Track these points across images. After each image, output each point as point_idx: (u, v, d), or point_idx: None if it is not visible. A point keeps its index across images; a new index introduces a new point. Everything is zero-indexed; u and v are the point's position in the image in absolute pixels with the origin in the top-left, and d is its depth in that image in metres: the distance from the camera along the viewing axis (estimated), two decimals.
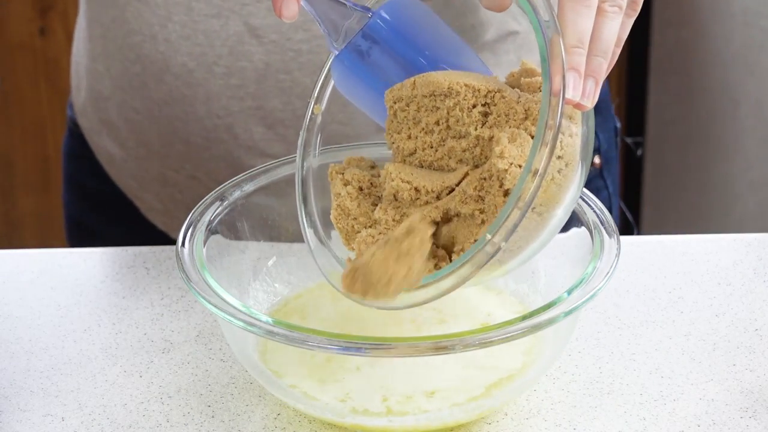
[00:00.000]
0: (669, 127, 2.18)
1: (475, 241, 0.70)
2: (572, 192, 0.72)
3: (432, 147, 0.74)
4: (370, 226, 0.75)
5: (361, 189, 0.77)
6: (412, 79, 0.74)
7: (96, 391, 0.83)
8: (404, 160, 0.76)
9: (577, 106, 0.68)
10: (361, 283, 0.71)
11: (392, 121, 0.76)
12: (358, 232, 0.76)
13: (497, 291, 0.87)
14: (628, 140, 2.11)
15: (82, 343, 0.88)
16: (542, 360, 0.79)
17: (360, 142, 0.89)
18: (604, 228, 0.80)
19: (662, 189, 2.22)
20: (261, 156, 1.02)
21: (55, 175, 2.23)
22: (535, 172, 0.66)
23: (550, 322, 0.72)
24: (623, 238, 0.83)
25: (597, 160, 1.15)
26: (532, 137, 0.70)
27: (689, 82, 2.13)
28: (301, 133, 0.81)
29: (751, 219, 2.17)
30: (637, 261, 0.96)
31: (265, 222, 0.88)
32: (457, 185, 0.72)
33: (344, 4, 0.75)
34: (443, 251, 0.72)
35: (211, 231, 0.82)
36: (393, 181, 0.74)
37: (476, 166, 0.72)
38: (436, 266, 0.72)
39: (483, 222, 0.70)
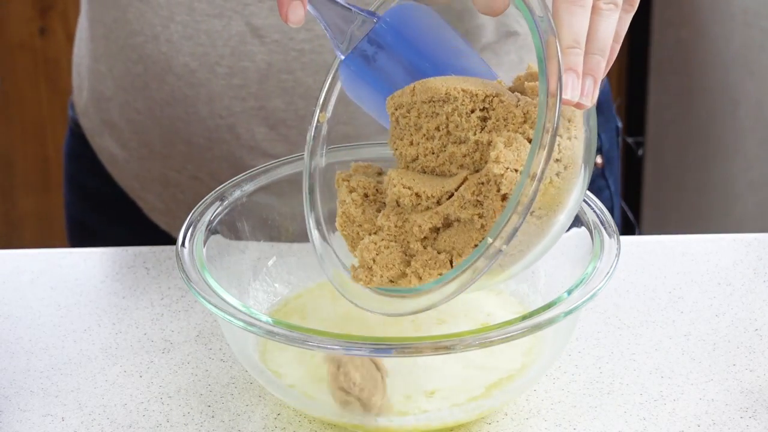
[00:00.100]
0: (669, 127, 2.18)
1: (475, 246, 0.70)
2: (575, 195, 0.72)
3: (433, 153, 0.74)
4: (375, 233, 0.75)
5: (366, 196, 0.77)
6: (411, 85, 0.74)
7: (96, 391, 0.83)
8: (407, 166, 0.76)
9: (577, 105, 0.68)
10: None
11: (395, 128, 0.76)
12: (363, 238, 0.76)
13: (497, 291, 0.87)
14: (629, 140, 2.11)
15: (82, 343, 0.88)
16: (542, 360, 0.79)
17: (362, 142, 0.89)
18: (604, 228, 0.80)
19: (662, 189, 2.22)
20: (263, 156, 1.02)
21: (55, 175, 2.23)
22: (533, 176, 0.66)
23: (550, 322, 0.72)
24: (623, 238, 0.83)
25: (599, 160, 1.15)
26: (530, 141, 0.70)
27: (689, 82, 2.13)
28: (307, 138, 0.81)
29: (751, 219, 2.17)
30: (637, 261, 0.96)
31: (265, 222, 0.88)
32: (456, 190, 0.72)
33: (350, 9, 0.75)
34: (444, 257, 0.72)
35: (211, 231, 0.83)
36: (395, 187, 0.74)
37: (476, 171, 0.72)
38: (439, 273, 0.72)
39: (482, 227, 0.70)
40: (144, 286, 0.94)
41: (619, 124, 1.20)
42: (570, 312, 0.73)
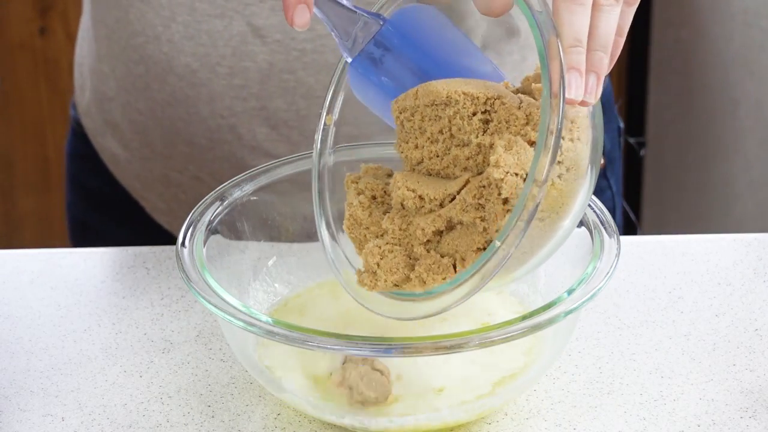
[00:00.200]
0: (669, 127, 2.18)
1: (478, 249, 0.70)
2: (580, 197, 0.72)
3: (438, 156, 0.74)
4: (380, 236, 0.75)
5: (374, 198, 0.77)
6: (415, 89, 0.74)
7: (96, 391, 0.83)
8: (413, 169, 0.76)
9: (582, 103, 0.68)
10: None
11: (400, 131, 0.76)
12: (369, 241, 0.76)
13: (498, 291, 0.87)
14: (631, 140, 2.11)
15: (82, 343, 0.88)
16: (542, 360, 0.79)
17: (368, 142, 0.89)
18: (604, 228, 0.80)
19: (662, 189, 2.22)
20: (265, 156, 1.02)
21: (55, 175, 2.23)
22: (538, 179, 0.66)
23: (550, 322, 0.72)
24: (623, 238, 0.83)
25: (601, 160, 1.15)
26: (531, 143, 0.70)
27: (689, 82, 2.13)
28: (315, 141, 0.81)
29: (750, 219, 2.17)
30: (637, 261, 0.96)
31: (265, 222, 0.88)
32: (458, 193, 0.72)
33: (355, 11, 0.75)
34: (447, 260, 0.72)
35: (211, 231, 0.83)
36: (399, 189, 0.74)
37: (479, 173, 0.72)
38: (443, 277, 0.72)
39: (485, 230, 0.71)
40: (144, 286, 0.94)
41: (621, 125, 1.20)
42: (570, 312, 0.73)
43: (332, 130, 0.81)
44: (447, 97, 0.73)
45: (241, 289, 0.84)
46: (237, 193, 0.86)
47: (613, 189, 1.17)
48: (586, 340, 0.87)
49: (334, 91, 0.81)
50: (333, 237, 0.80)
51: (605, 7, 0.70)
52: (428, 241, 0.73)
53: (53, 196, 2.24)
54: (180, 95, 1.02)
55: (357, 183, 0.78)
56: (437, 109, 0.74)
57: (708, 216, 2.20)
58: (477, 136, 0.72)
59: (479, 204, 0.71)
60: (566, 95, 0.67)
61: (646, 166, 2.20)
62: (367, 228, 0.76)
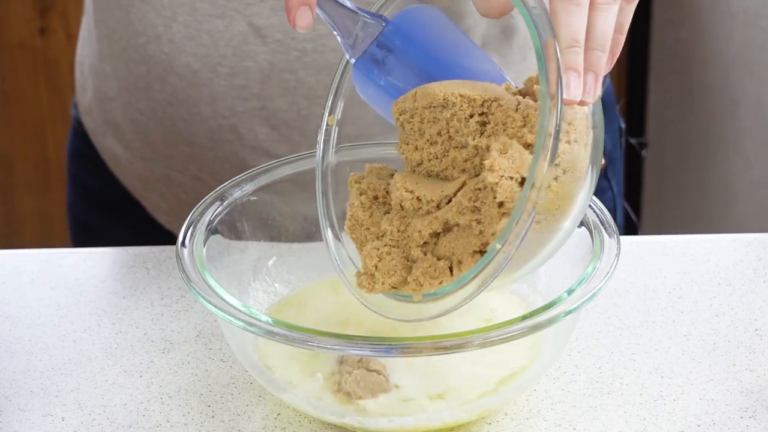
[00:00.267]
0: (669, 127, 2.18)
1: (474, 251, 0.70)
2: (579, 198, 0.72)
3: (437, 157, 0.74)
4: (379, 238, 0.75)
5: (376, 198, 0.77)
6: (413, 91, 0.74)
7: (96, 391, 0.83)
8: (414, 170, 0.76)
9: (581, 102, 0.68)
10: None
11: (401, 133, 0.76)
12: (370, 241, 0.76)
13: (500, 290, 0.87)
14: (633, 141, 2.11)
15: (82, 343, 0.88)
16: (542, 360, 0.79)
17: (366, 142, 0.89)
18: (604, 228, 0.80)
19: (662, 189, 2.22)
20: (265, 156, 1.02)
21: (55, 175, 2.23)
22: (536, 183, 0.66)
23: (550, 322, 0.72)
24: (623, 238, 0.83)
25: (602, 160, 1.15)
26: (527, 145, 0.70)
27: (689, 82, 2.13)
28: (318, 142, 0.81)
29: (750, 219, 2.17)
30: (637, 261, 0.96)
31: (265, 222, 0.88)
32: (455, 195, 0.72)
33: (358, 12, 0.75)
34: (444, 264, 0.72)
35: (211, 231, 0.83)
36: (398, 190, 0.74)
37: (477, 175, 0.72)
38: (439, 281, 0.72)
39: (481, 233, 0.70)
40: (144, 286, 0.94)
41: (623, 125, 1.20)
42: (570, 312, 0.73)
43: (335, 131, 0.81)
44: (444, 100, 0.73)
45: (241, 289, 0.84)
46: (237, 193, 0.86)
47: (614, 189, 1.17)
48: (586, 340, 0.87)
49: (336, 92, 0.81)
50: (337, 237, 0.80)
51: (602, 5, 0.70)
52: (425, 243, 0.73)
53: (53, 196, 2.24)
54: (181, 95, 1.02)
55: (360, 183, 0.78)
56: (435, 112, 0.74)
57: (708, 216, 2.20)
58: (474, 138, 0.72)
59: (475, 207, 0.71)
60: (565, 96, 0.67)
61: (646, 166, 2.20)
62: (368, 229, 0.76)
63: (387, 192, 0.77)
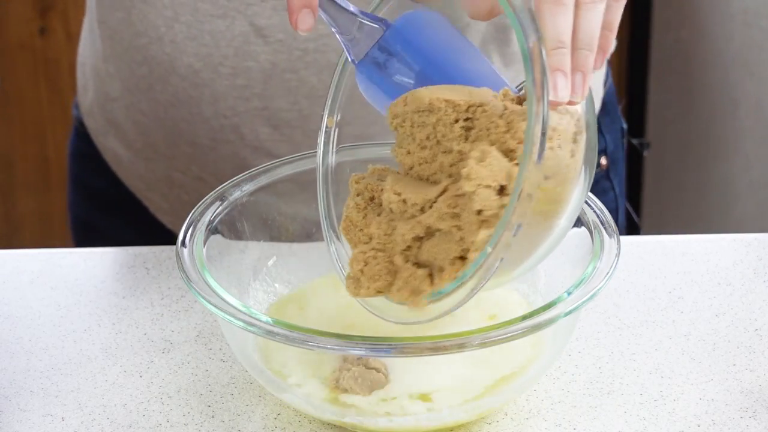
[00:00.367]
0: (669, 127, 2.18)
1: (455, 258, 0.70)
2: (573, 199, 0.71)
3: (427, 162, 0.74)
4: (369, 241, 0.75)
5: (372, 199, 0.77)
6: (405, 95, 0.74)
7: (96, 391, 0.83)
8: (407, 174, 0.76)
9: (569, 103, 0.68)
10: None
11: (396, 136, 0.76)
12: (363, 243, 0.76)
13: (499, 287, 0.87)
14: (635, 141, 2.11)
15: (82, 343, 0.88)
16: (542, 360, 0.79)
17: (366, 142, 0.89)
18: (604, 228, 0.80)
19: (662, 189, 2.22)
20: (267, 156, 1.02)
21: (55, 175, 2.23)
22: (521, 191, 0.65)
23: (550, 322, 0.72)
24: (623, 238, 0.83)
25: (603, 161, 1.15)
26: (509, 152, 0.70)
27: (689, 82, 2.13)
28: (318, 144, 0.81)
29: (750, 219, 2.17)
30: (637, 261, 0.96)
31: (265, 222, 0.88)
32: (436, 200, 0.72)
33: (359, 15, 0.75)
34: (422, 272, 0.72)
35: (211, 231, 0.83)
36: (386, 192, 0.74)
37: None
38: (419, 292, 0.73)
39: (461, 239, 0.70)
40: (144, 286, 0.94)
41: (624, 126, 1.20)
42: (570, 312, 0.73)
43: (335, 132, 0.81)
44: (430, 104, 0.73)
45: (241, 289, 0.84)
46: (237, 193, 0.86)
47: (616, 190, 1.17)
48: (586, 340, 0.87)
49: (335, 93, 0.81)
50: (338, 238, 0.80)
51: (588, 5, 0.70)
52: (409, 247, 0.73)
53: (53, 196, 2.24)
54: (183, 96, 1.02)
55: (358, 183, 0.78)
56: (423, 116, 0.74)
57: (708, 216, 2.20)
58: (458, 144, 0.72)
59: (455, 213, 0.70)
60: (552, 97, 0.66)
61: (646, 165, 2.20)
62: (361, 230, 0.76)
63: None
